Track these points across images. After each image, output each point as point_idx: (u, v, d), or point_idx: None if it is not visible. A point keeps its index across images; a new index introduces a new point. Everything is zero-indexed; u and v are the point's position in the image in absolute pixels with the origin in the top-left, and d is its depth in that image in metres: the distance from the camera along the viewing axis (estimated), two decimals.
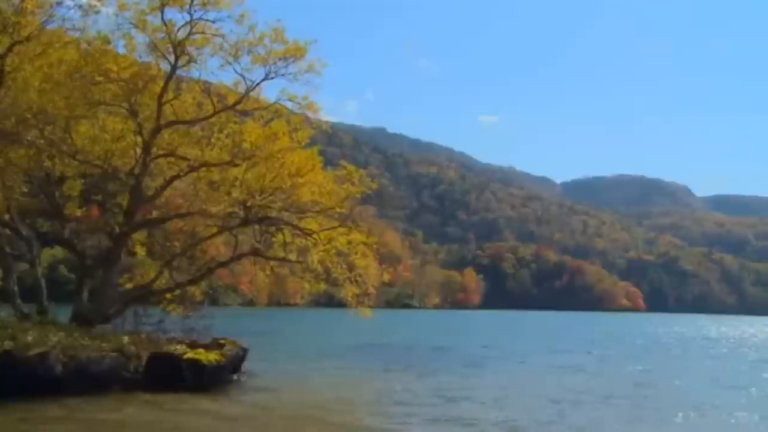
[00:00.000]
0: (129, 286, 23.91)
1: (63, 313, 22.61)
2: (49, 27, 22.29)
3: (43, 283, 23.28)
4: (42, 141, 21.84)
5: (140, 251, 25.27)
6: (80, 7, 22.38)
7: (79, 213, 23.98)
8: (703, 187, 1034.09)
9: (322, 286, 25.37)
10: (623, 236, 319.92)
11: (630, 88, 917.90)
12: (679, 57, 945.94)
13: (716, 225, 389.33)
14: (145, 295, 23.70)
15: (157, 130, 22.66)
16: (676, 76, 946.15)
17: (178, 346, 19.72)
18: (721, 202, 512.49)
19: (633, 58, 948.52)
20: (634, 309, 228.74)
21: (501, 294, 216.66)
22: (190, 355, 19.24)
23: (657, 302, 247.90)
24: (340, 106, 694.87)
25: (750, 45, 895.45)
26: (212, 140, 23.96)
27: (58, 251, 57.56)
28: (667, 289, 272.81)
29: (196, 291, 24.78)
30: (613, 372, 30.71)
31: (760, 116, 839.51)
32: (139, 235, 24.82)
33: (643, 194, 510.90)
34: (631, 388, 24.18)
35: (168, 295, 23.87)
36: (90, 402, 16.56)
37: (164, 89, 22.63)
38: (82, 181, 23.84)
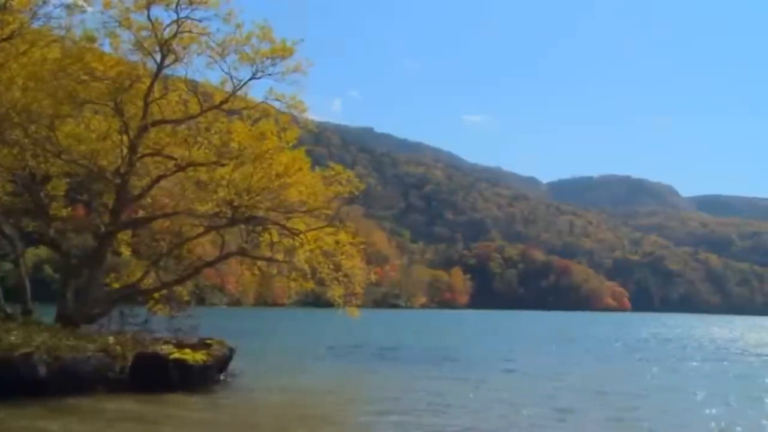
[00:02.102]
0: (115, 286, 23.73)
1: (48, 314, 22.42)
2: (33, 25, 22.14)
3: (27, 283, 23.08)
4: (26, 140, 21.67)
5: (125, 251, 25.11)
6: (66, 6, 22.27)
7: (64, 212, 23.78)
8: (688, 188, 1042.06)
9: (310, 286, 25.30)
10: (609, 236, 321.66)
11: (616, 88, 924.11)
12: (665, 58, 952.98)
13: (701, 225, 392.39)
14: (131, 295, 23.55)
15: (143, 129, 22.54)
16: (662, 77, 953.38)
17: (165, 346, 19.60)
18: (706, 203, 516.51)
19: (619, 58, 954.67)
20: (620, 309, 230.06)
21: (488, 294, 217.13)
22: (176, 355, 19.14)
23: (643, 302, 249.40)
24: (325, 105, 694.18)
25: (737, 46, 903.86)
26: (199, 139, 23.85)
27: (42, 251, 57.35)
28: (652, 288, 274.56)
29: (182, 291, 24.65)
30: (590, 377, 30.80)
31: (746, 117, 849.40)
32: (124, 235, 24.66)
33: (629, 194, 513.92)
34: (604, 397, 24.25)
35: (154, 295, 23.75)
36: (74, 403, 16.44)
37: (150, 88, 22.53)
38: (68, 180, 23.65)
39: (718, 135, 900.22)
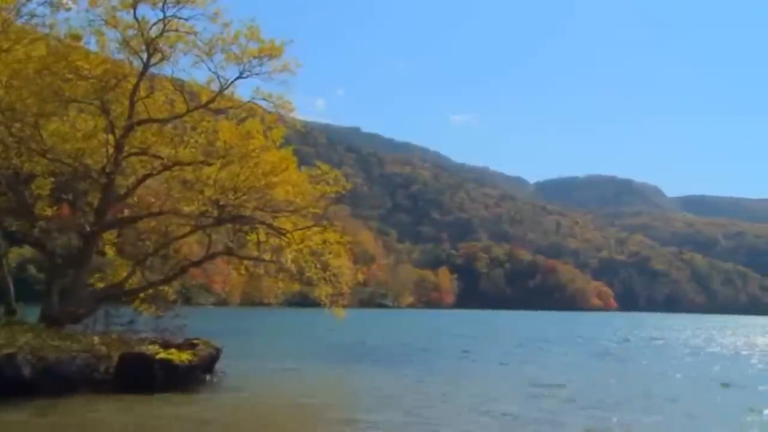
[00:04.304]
0: (100, 285, 23.58)
1: (32, 314, 22.26)
2: (17, 23, 21.95)
3: (11, 283, 22.89)
4: (10, 138, 21.49)
5: (109, 252, 24.90)
6: (51, 4, 22.10)
7: (49, 212, 23.58)
8: (674, 188, 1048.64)
9: (296, 287, 25.27)
10: (595, 236, 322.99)
11: (603, 89, 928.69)
12: (652, 59, 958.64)
13: (686, 225, 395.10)
14: (117, 295, 23.41)
15: (129, 128, 22.41)
16: (648, 78, 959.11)
17: (150, 346, 19.51)
18: (691, 203, 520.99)
19: (605, 59, 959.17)
20: (606, 308, 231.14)
21: (475, 293, 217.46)
22: (162, 355, 19.05)
23: (629, 302, 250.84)
24: (308, 104, 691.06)
25: (723, 48, 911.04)
26: (185, 139, 23.74)
27: (26, 250, 56.76)
28: (638, 288, 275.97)
29: (168, 290, 24.51)
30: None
31: (731, 117, 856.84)
32: (109, 236, 24.47)
33: (615, 194, 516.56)
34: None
35: (140, 295, 23.62)
36: (59, 404, 16.33)
37: (136, 87, 22.40)
38: (52, 179, 23.46)
39: (703, 135, 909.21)
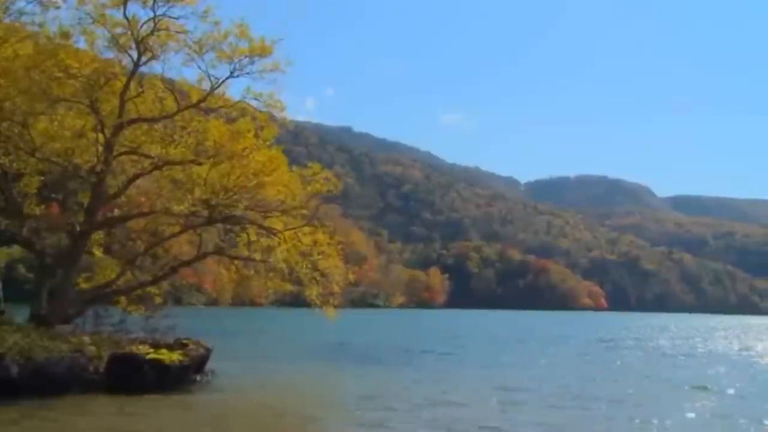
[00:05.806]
0: (84, 286, 23.42)
1: (21, 314, 22.11)
2: (5, 21, 21.81)
3: None
4: None
5: (97, 252, 24.72)
6: (40, 2, 21.96)
7: (38, 211, 23.42)
8: (663, 188, 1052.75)
9: (287, 288, 25.20)
10: (586, 236, 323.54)
11: (593, 88, 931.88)
12: (642, 59, 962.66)
13: (676, 225, 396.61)
14: (107, 295, 23.28)
15: (119, 128, 22.28)
16: (639, 78, 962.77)
17: (140, 347, 19.44)
18: (681, 203, 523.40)
19: (596, 59, 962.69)
20: (597, 308, 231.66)
21: (466, 293, 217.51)
22: (152, 355, 18.98)
23: (619, 302, 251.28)
24: (297, 103, 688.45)
25: (713, 48, 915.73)
26: (176, 138, 23.64)
27: (15, 250, 56.33)
28: (629, 288, 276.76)
29: (154, 292, 24.38)
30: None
31: (721, 117, 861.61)
32: (97, 236, 24.30)
33: (605, 194, 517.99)
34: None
35: (129, 295, 23.49)
36: (47, 404, 16.24)
37: (126, 86, 22.29)
38: (41, 178, 23.30)
39: (694, 136, 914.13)
